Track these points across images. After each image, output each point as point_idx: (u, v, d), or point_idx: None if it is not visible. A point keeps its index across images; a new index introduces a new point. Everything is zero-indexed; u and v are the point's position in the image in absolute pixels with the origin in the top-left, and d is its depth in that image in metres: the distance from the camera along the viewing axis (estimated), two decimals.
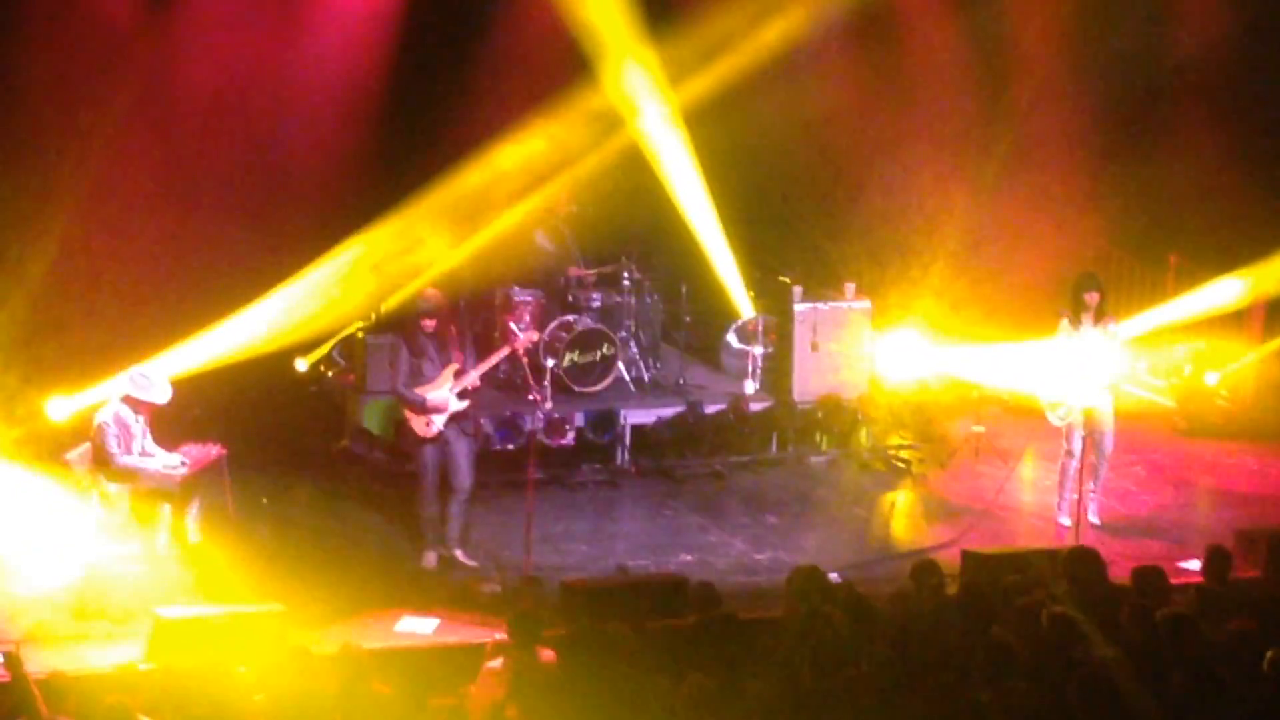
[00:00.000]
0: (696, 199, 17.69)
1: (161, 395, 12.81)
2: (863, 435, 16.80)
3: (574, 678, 9.53)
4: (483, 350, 14.12)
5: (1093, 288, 14.27)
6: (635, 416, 16.29)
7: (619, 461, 16.01)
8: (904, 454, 16.50)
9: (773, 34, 17.73)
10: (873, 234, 18.79)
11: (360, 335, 16.08)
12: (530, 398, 14.08)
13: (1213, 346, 17.64)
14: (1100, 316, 14.23)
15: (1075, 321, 14.19)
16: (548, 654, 9.90)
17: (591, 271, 17.08)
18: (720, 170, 17.82)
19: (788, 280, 17.42)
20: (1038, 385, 14.51)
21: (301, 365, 16.42)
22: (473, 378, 13.29)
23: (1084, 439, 14.20)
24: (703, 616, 10.30)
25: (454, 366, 13.25)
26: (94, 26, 15.64)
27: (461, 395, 13.24)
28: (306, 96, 16.70)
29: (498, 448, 15.39)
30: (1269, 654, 9.34)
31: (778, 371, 17.10)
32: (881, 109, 18.83)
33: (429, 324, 13.21)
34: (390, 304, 15.78)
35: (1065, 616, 9.61)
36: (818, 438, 16.78)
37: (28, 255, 15.25)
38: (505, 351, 13.97)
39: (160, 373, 12.94)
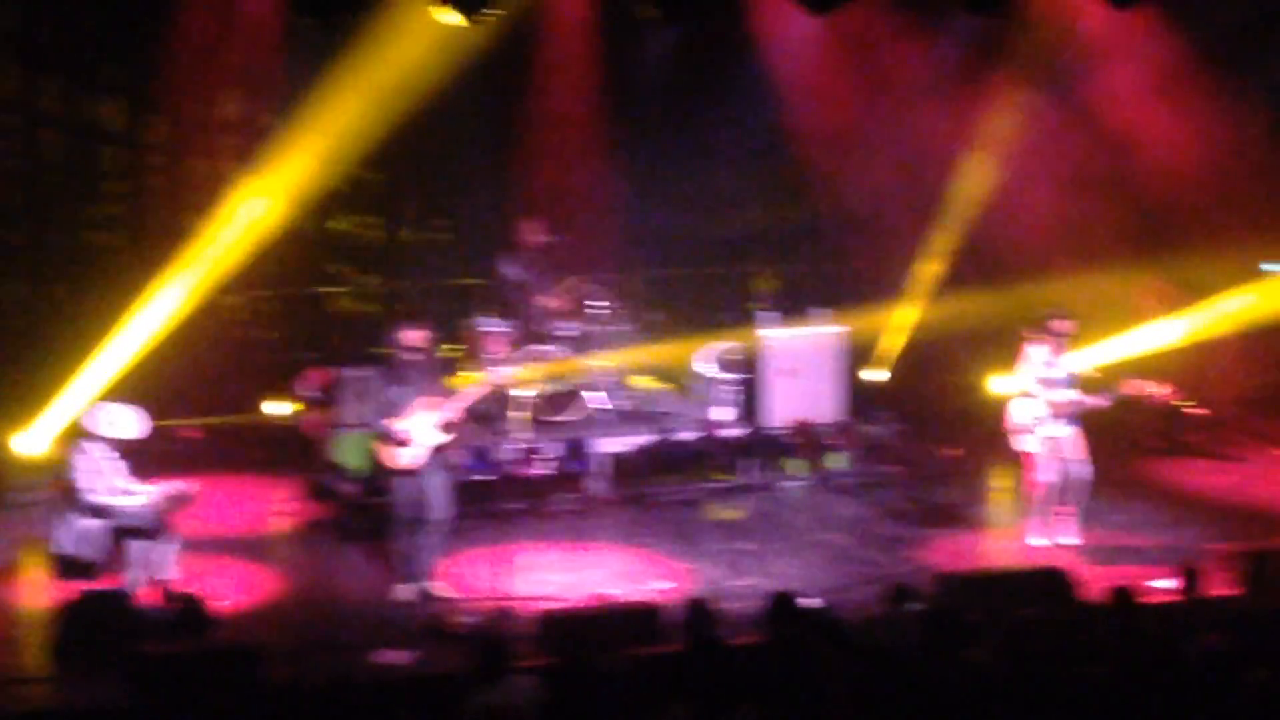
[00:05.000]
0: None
1: (131, 430, 12.78)
2: (836, 459, 16.84)
3: (558, 710, 9.48)
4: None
5: (1061, 317, 14.37)
6: (608, 445, 16.31)
7: (592, 490, 16.00)
8: (878, 477, 16.54)
9: None
10: (848, 259, 18.87)
11: None
12: (502, 428, 14.03)
13: (1188, 365, 17.65)
14: (1068, 345, 14.30)
15: (1044, 350, 14.24)
16: (527, 680, 9.80)
17: (558, 301, 17.10)
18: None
19: (761, 306, 17.48)
20: (1004, 411, 14.62)
21: (270, 408, 16.48)
22: (450, 412, 13.23)
23: (1053, 464, 14.28)
24: (697, 639, 10.29)
25: (431, 399, 13.20)
26: None
27: (440, 428, 13.18)
28: None
29: (470, 479, 15.36)
30: (1258, 674, 9.33)
31: (750, 397, 17.15)
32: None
33: (418, 343, 13.15)
34: None
35: (1036, 636, 9.65)
36: (791, 463, 16.82)
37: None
38: (483, 388, 13.81)
39: (128, 408, 12.91)
